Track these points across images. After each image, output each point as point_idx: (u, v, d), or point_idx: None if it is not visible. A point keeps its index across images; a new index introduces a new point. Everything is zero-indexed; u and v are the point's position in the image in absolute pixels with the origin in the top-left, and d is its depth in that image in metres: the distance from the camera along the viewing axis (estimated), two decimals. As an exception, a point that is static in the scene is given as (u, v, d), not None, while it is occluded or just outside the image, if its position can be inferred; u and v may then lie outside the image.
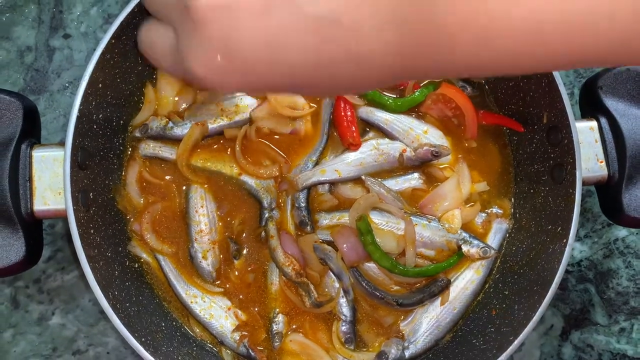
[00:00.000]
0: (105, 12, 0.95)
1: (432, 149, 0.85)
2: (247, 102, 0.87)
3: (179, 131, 0.85)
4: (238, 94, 0.87)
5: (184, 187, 0.86)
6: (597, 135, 0.80)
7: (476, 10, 0.42)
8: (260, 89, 0.45)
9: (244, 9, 0.41)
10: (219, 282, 0.85)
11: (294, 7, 0.41)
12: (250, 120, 0.86)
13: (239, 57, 0.42)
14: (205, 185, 0.86)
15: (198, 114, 0.85)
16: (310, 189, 0.86)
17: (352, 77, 0.44)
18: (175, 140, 0.85)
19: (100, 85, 0.77)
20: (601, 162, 0.79)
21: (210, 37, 0.41)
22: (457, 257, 0.85)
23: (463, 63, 0.44)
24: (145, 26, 0.50)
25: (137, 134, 0.85)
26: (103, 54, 0.76)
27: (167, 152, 0.86)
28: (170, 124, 0.85)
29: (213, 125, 0.85)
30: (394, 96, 0.89)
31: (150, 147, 0.86)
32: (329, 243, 0.84)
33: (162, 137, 0.85)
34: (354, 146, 0.87)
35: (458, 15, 0.42)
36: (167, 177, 0.86)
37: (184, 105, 0.87)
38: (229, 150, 0.86)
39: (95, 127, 0.79)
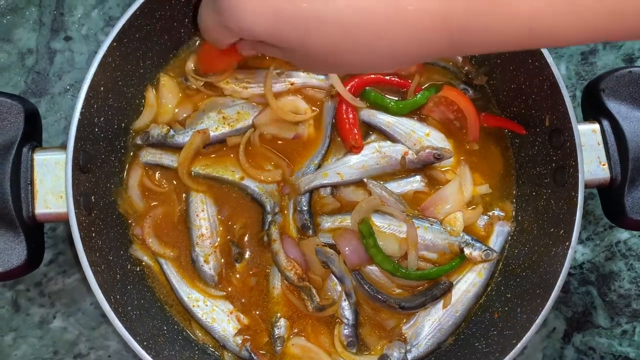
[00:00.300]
0: (107, 14, 0.95)
1: (434, 151, 0.85)
2: (248, 110, 0.86)
3: (180, 139, 0.84)
4: (239, 100, 0.87)
5: (184, 194, 0.86)
6: (600, 138, 0.80)
7: None
8: (282, 20, 0.42)
9: None
10: (221, 285, 0.84)
11: None
12: (253, 127, 0.86)
13: None
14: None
15: (199, 122, 0.85)
16: (312, 192, 0.86)
17: (391, 36, 0.40)
18: (176, 148, 0.85)
19: (101, 88, 0.77)
20: (603, 164, 0.79)
21: None
22: (459, 260, 0.85)
23: (521, 28, 0.39)
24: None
25: (138, 142, 0.85)
26: (104, 57, 0.75)
27: (167, 159, 0.85)
28: (172, 132, 0.84)
29: (215, 132, 0.85)
30: (396, 99, 0.88)
31: (150, 155, 0.85)
32: (331, 246, 0.84)
33: (163, 145, 0.85)
34: (356, 149, 0.86)
35: None
36: (168, 185, 0.86)
37: (184, 114, 0.87)
38: (232, 155, 0.86)
39: (96, 130, 0.79)
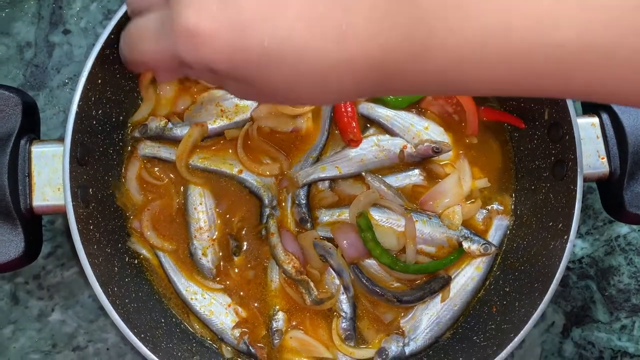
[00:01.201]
0: (105, 7, 0.95)
1: (433, 145, 0.85)
2: (247, 102, 0.86)
3: (178, 132, 0.84)
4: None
5: (182, 187, 0.86)
6: (599, 132, 0.80)
7: (472, 19, 0.41)
8: (246, 57, 0.42)
9: None
10: (219, 278, 0.85)
11: None
12: (251, 120, 0.86)
13: (235, 11, 0.41)
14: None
15: (197, 114, 0.85)
16: (310, 185, 0.86)
17: (336, 64, 0.42)
18: (175, 141, 0.85)
19: (99, 81, 0.77)
20: (602, 158, 0.79)
21: None
22: (457, 254, 0.85)
23: (436, 76, 0.44)
24: (125, 31, 0.49)
25: (137, 134, 0.85)
26: (102, 49, 0.75)
27: (165, 152, 0.85)
28: (170, 125, 0.85)
29: (213, 125, 0.85)
30: (395, 92, 0.88)
31: (148, 148, 0.85)
32: (330, 240, 0.84)
33: (161, 138, 0.85)
34: (354, 142, 0.86)
35: (444, 22, 0.42)
36: (166, 178, 0.86)
37: (182, 107, 0.86)
38: (230, 150, 0.86)
39: (94, 122, 0.79)
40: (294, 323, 0.84)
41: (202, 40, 0.42)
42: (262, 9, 0.41)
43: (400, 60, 0.43)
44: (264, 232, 0.84)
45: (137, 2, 0.48)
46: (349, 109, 0.86)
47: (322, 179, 0.86)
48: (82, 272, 0.87)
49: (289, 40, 0.41)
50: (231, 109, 0.86)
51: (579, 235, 0.95)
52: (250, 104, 0.86)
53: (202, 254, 0.84)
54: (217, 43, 0.42)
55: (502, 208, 0.89)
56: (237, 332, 0.83)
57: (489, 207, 0.89)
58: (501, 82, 0.44)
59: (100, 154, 0.81)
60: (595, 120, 0.80)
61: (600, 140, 0.80)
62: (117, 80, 0.82)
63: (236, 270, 0.85)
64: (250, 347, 0.83)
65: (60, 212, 0.74)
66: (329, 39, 0.42)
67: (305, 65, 0.42)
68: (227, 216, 0.86)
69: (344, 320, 0.83)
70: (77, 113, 0.74)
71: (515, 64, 0.42)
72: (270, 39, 0.41)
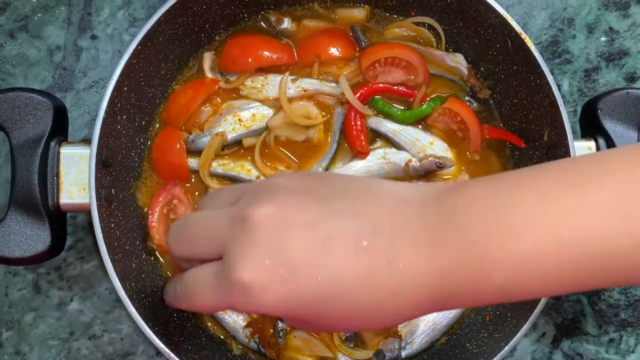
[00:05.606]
0: (131, 15, 1.00)
1: (437, 160, 0.89)
2: (263, 112, 0.91)
3: (199, 143, 0.89)
4: (254, 103, 0.91)
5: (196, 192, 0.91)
6: (595, 155, 0.84)
7: (517, 241, 0.43)
8: (302, 302, 0.45)
9: (295, 220, 0.46)
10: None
11: (338, 220, 0.45)
12: (267, 128, 0.90)
13: (286, 262, 0.45)
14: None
15: (217, 125, 0.90)
16: (318, 193, 0.90)
17: (391, 292, 0.45)
18: (196, 152, 0.90)
19: (125, 88, 0.82)
20: (597, 181, 0.83)
21: (262, 241, 0.45)
22: (455, 265, 0.89)
23: (497, 292, 0.45)
24: (181, 284, 0.54)
25: None
26: (130, 59, 0.80)
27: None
28: (191, 138, 0.89)
29: (232, 134, 0.90)
30: (403, 108, 0.93)
31: None
32: (335, 246, 0.89)
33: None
34: (362, 154, 0.91)
35: (497, 242, 0.43)
36: (187, 184, 0.91)
37: (204, 117, 0.91)
38: (248, 157, 0.91)
39: (119, 127, 0.83)
40: (298, 323, 0.89)
41: (256, 294, 0.45)
42: (311, 258, 0.45)
43: (458, 282, 0.45)
44: (273, 236, 0.89)
45: (188, 256, 0.53)
46: (359, 122, 0.91)
47: (330, 188, 0.90)
48: (100, 265, 0.93)
49: (340, 280, 0.44)
50: (249, 118, 0.91)
51: (573, 251, 0.99)
52: (267, 113, 0.91)
53: (215, 255, 0.88)
54: (271, 295, 0.45)
55: (500, 223, 0.92)
56: (248, 332, 0.88)
57: (488, 221, 0.92)
58: (560, 288, 0.45)
59: (123, 156, 0.86)
60: (591, 144, 0.84)
61: (596, 163, 0.83)
62: (141, 88, 0.86)
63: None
64: (260, 346, 0.87)
65: (85, 210, 0.79)
66: (379, 274, 0.44)
67: (359, 300, 0.45)
68: (240, 220, 0.90)
69: (345, 323, 0.88)
70: (103, 119, 0.78)
71: (572, 272, 0.43)
72: (322, 283, 0.45)
